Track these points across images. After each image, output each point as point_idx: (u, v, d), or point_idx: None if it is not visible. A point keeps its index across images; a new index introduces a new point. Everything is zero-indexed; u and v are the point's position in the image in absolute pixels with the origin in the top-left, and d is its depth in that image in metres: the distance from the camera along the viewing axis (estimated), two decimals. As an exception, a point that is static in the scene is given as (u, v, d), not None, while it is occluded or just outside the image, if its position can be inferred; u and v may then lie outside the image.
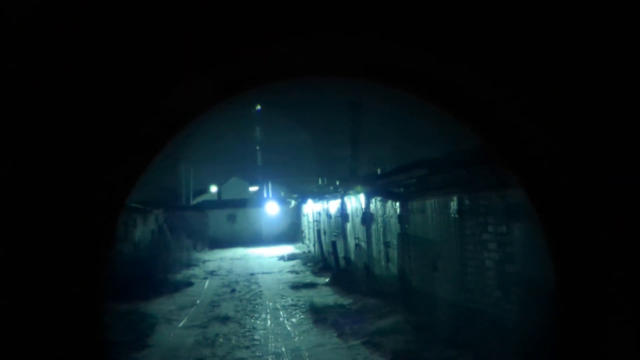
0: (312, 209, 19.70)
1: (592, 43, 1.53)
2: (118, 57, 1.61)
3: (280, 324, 8.44)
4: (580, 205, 1.87)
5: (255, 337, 7.65)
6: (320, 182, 20.36)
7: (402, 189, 8.45)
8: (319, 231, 17.15)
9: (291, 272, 14.95)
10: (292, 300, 10.39)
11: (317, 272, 14.12)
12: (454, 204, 6.51)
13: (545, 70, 1.65)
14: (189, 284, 13.02)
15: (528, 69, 1.69)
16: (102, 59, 1.59)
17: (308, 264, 16.11)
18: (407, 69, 1.98)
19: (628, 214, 1.64)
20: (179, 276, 13.90)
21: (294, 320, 8.66)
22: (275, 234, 25.90)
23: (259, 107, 33.44)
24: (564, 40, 1.54)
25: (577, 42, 1.54)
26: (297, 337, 7.52)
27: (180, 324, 8.66)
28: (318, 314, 8.68)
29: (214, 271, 15.65)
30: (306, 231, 22.97)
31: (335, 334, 7.40)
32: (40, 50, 1.52)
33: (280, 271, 15.24)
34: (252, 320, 8.76)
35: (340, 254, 13.21)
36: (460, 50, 1.74)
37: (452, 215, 6.56)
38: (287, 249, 21.66)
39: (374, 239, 10.47)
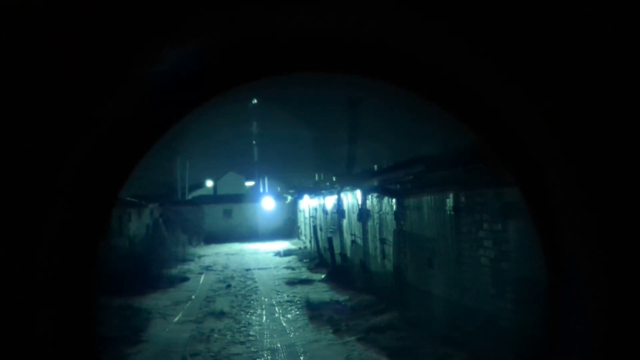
0: (308, 204, 19.70)
1: (592, 42, 1.52)
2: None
3: (276, 319, 8.44)
4: (573, 204, 1.86)
5: (251, 332, 7.65)
6: (317, 177, 20.36)
7: (398, 186, 8.45)
8: (315, 227, 17.16)
9: (287, 268, 14.95)
10: (287, 296, 10.40)
11: (313, 268, 14.14)
12: (450, 201, 6.51)
13: (543, 69, 1.64)
14: (184, 279, 13.00)
15: (528, 68, 1.68)
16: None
17: (304, 260, 16.13)
18: (406, 62, 1.96)
19: (622, 214, 1.63)
20: (174, 271, 13.87)
21: (289, 316, 8.67)
22: (272, 230, 25.91)
23: (255, 100, 33.34)
24: (565, 38, 1.53)
25: (576, 41, 1.53)
26: (292, 333, 7.53)
27: (175, 319, 8.65)
28: (314, 310, 8.70)
29: (210, 266, 15.63)
30: (302, 227, 22.97)
31: (331, 330, 7.41)
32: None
33: (276, 267, 15.24)
34: (248, 316, 8.76)
35: (337, 250, 13.22)
36: (463, 43, 1.72)
37: (448, 213, 6.56)
38: (283, 245, 21.66)
39: (370, 236, 10.48)
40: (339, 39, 1.91)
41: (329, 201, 15.07)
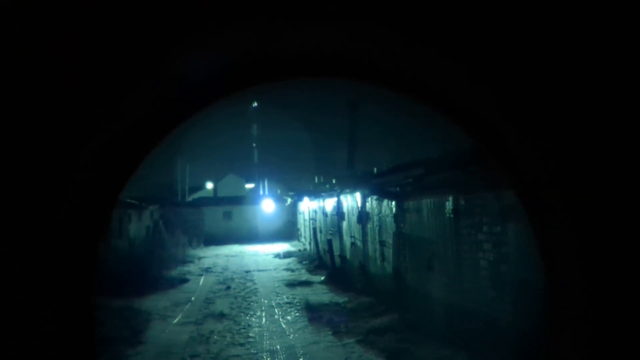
0: (308, 206, 19.70)
1: (581, 56, 1.54)
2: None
3: (275, 321, 8.44)
4: (567, 209, 1.89)
5: (250, 334, 7.65)
6: (316, 180, 20.37)
7: (398, 189, 8.46)
8: (314, 229, 17.16)
9: (287, 269, 14.95)
10: (287, 298, 10.40)
11: (312, 270, 14.14)
12: (449, 204, 6.52)
13: (533, 83, 1.67)
14: (184, 280, 13.00)
15: (517, 80, 1.71)
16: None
17: (304, 262, 16.12)
18: (406, 75, 1.99)
19: (615, 219, 1.66)
20: (173, 273, 13.87)
21: (289, 318, 8.67)
22: (271, 232, 25.90)
23: (255, 104, 33.39)
24: (555, 57, 1.56)
25: (567, 57, 1.56)
26: (292, 335, 7.53)
27: (175, 321, 8.64)
28: (313, 312, 8.69)
29: (209, 268, 15.63)
30: (302, 229, 22.97)
31: (330, 332, 7.41)
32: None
33: (275, 269, 15.24)
34: (247, 318, 8.76)
35: (336, 252, 13.23)
36: (460, 59, 1.75)
37: (448, 215, 6.58)
38: (283, 247, 21.65)
39: (369, 238, 10.49)
40: (343, 57, 1.95)
41: (329, 203, 15.08)
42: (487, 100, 1.91)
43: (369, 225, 10.47)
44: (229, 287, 11.90)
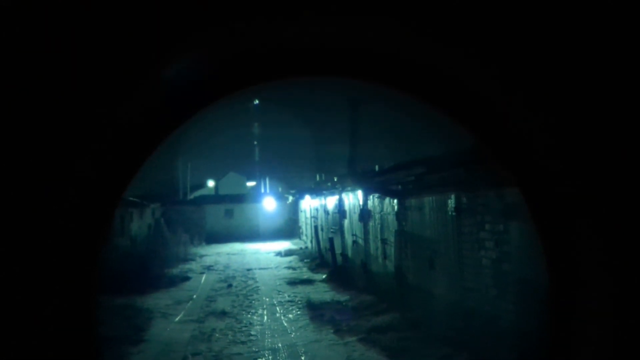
0: (309, 204, 19.70)
1: (593, 42, 1.52)
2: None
3: (277, 319, 8.45)
4: (573, 208, 1.87)
5: (252, 332, 7.65)
6: (318, 178, 20.36)
7: (400, 187, 8.45)
8: (316, 227, 17.16)
9: (288, 268, 14.96)
10: (288, 296, 10.40)
11: (314, 269, 14.14)
12: (451, 202, 6.51)
13: (545, 70, 1.65)
14: (186, 278, 13.02)
15: (527, 69, 1.68)
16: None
17: (305, 260, 16.13)
18: (404, 69, 1.97)
19: (619, 219, 1.64)
20: (175, 271, 13.89)
21: (290, 316, 8.67)
22: (273, 230, 25.92)
23: (256, 101, 33.37)
24: (566, 38, 1.54)
25: (578, 40, 1.53)
26: (293, 333, 7.53)
27: (177, 319, 8.66)
28: (315, 310, 8.70)
29: (211, 266, 15.65)
30: (303, 227, 22.98)
31: (332, 331, 7.42)
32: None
33: (277, 267, 15.25)
34: (249, 316, 8.77)
35: (338, 251, 13.22)
36: (462, 40, 1.72)
37: (450, 214, 6.56)
38: (284, 245, 21.67)
39: (371, 236, 10.48)
40: (341, 48, 1.93)
41: (330, 201, 15.07)
42: (500, 87, 1.89)
43: (371, 224, 10.46)
44: (230, 285, 11.91)
